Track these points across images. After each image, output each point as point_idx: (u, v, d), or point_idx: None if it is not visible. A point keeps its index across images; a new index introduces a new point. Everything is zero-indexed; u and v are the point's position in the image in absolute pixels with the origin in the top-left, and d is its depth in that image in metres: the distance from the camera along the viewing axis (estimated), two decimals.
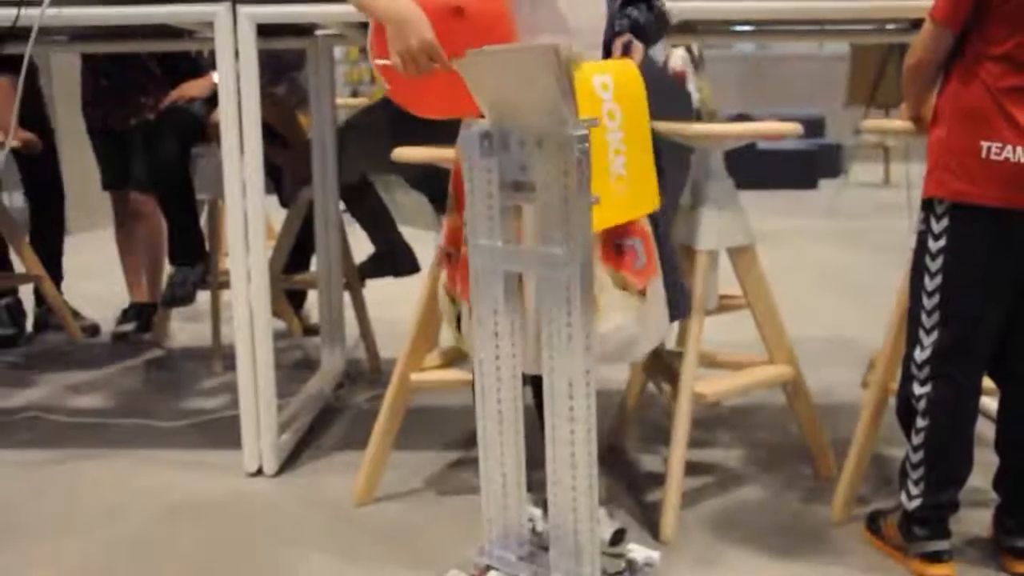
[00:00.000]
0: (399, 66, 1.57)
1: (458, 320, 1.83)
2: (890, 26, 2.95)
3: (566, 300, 1.42)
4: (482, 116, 1.53)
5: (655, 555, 1.66)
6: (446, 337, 2.63)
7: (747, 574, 1.89)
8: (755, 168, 8.76)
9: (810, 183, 8.96)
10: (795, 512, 2.17)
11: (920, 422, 1.85)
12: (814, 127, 9.46)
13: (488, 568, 1.64)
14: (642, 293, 1.70)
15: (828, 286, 4.61)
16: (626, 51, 1.73)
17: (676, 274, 1.84)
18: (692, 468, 2.39)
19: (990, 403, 2.75)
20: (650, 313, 1.75)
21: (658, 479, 2.19)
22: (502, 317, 1.54)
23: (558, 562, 1.54)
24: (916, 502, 1.85)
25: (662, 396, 2.09)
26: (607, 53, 1.77)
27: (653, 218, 1.76)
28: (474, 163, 1.50)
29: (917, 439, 1.86)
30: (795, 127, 2.11)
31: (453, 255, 1.83)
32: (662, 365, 2.28)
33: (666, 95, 5.86)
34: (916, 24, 2.85)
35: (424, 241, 2.76)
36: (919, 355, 1.83)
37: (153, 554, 2.02)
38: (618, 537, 1.67)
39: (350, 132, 3.06)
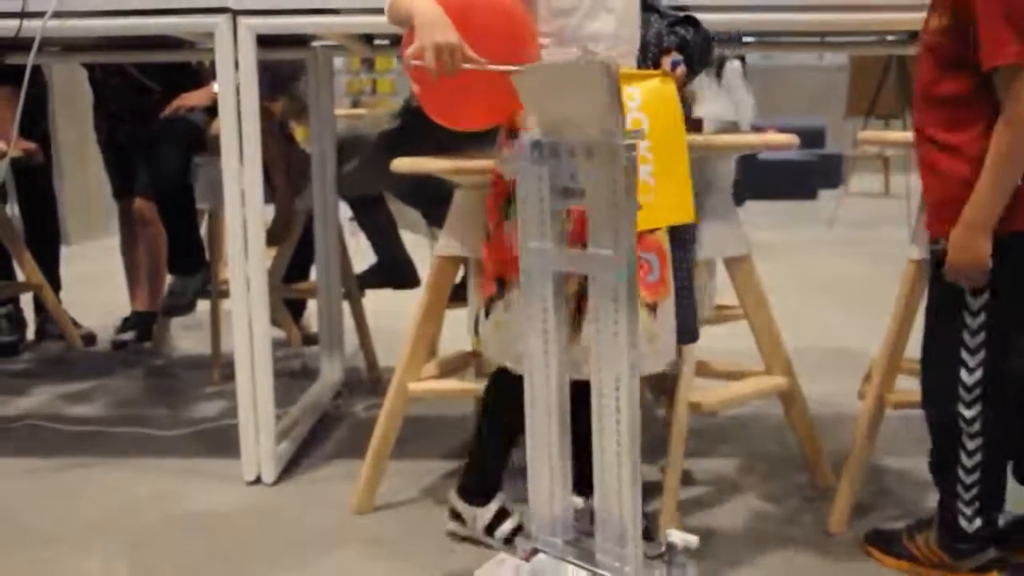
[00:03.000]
0: (431, 63, 1.59)
1: (476, 322, 1.88)
2: (890, 37, 2.97)
3: (614, 299, 1.50)
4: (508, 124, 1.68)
5: (693, 539, 1.70)
6: (444, 347, 2.65)
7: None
8: (755, 178, 8.78)
9: (810, 194, 8.98)
10: (792, 522, 2.17)
11: (971, 443, 1.81)
12: (814, 138, 9.47)
13: (535, 551, 1.71)
14: (651, 308, 1.73)
15: (826, 296, 4.62)
16: (673, 68, 1.78)
17: (691, 297, 1.86)
18: (689, 478, 2.40)
19: None
20: (660, 333, 1.79)
21: (656, 489, 2.19)
22: (551, 315, 1.63)
23: (604, 545, 1.62)
24: (976, 522, 1.84)
25: (659, 406, 2.10)
26: (649, 65, 1.84)
27: (680, 239, 1.79)
28: (526, 170, 1.60)
29: (971, 461, 1.82)
30: (792, 139, 2.12)
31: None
32: (660, 375, 2.28)
33: None
34: (914, 35, 2.88)
35: (424, 255, 2.78)
36: (968, 377, 1.79)
37: (152, 563, 2.02)
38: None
39: (380, 142, 3.06)
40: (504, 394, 1.87)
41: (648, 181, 1.68)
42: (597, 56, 1.69)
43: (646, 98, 1.68)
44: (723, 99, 7.76)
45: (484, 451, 2.02)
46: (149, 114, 3.33)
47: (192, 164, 3.16)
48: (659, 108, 1.69)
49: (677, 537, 1.70)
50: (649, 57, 1.86)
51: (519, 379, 1.69)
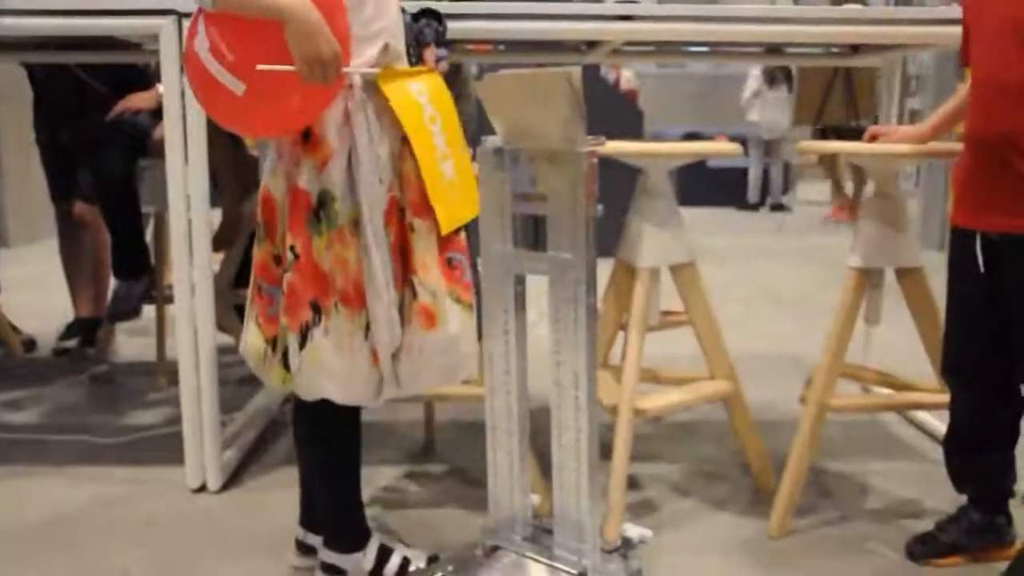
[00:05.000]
0: (305, 74, 1.51)
1: (284, 356, 1.66)
2: (834, 49, 3.04)
3: (574, 300, 1.58)
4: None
5: (648, 532, 1.77)
6: None
7: None
8: (703, 186, 8.91)
9: (756, 206, 9.11)
10: (734, 525, 2.20)
11: None
12: (765, 146, 9.61)
13: (495, 548, 1.74)
14: (471, 309, 1.70)
15: (772, 302, 4.69)
16: (437, 62, 1.77)
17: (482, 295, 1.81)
18: (635, 482, 2.43)
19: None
20: (474, 328, 1.74)
21: (601, 493, 2.21)
22: (511, 316, 1.68)
23: (562, 539, 1.69)
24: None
25: (604, 411, 2.12)
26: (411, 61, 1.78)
27: (468, 234, 1.76)
28: (488, 175, 1.64)
29: None
30: (735, 148, 2.16)
31: (265, 288, 1.70)
32: (605, 380, 2.31)
33: (616, 113, 5.93)
34: (856, 48, 2.96)
35: None
36: None
37: (94, 571, 1.99)
38: None
39: None
40: (327, 428, 1.76)
41: (452, 178, 1.66)
42: (392, 50, 1.63)
43: (432, 94, 1.66)
44: (782, 106, 8.16)
45: (336, 496, 1.83)
46: (92, 114, 3.27)
47: (137, 167, 3.12)
48: (444, 103, 1.68)
49: (633, 531, 1.75)
50: (411, 52, 1.79)
51: (334, 407, 1.66)
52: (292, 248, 1.62)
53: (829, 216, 8.09)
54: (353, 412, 1.75)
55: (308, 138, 1.60)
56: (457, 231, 1.69)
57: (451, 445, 2.70)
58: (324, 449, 1.80)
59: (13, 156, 5.05)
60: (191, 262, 2.32)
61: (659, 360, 2.55)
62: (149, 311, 3.30)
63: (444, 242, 1.67)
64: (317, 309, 1.61)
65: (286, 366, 1.66)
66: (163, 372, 3.26)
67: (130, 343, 3.76)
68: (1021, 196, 1.75)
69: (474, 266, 1.75)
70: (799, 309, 4.50)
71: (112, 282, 3.35)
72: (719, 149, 2.16)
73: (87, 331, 3.64)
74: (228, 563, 2.02)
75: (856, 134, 7.99)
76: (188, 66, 1.59)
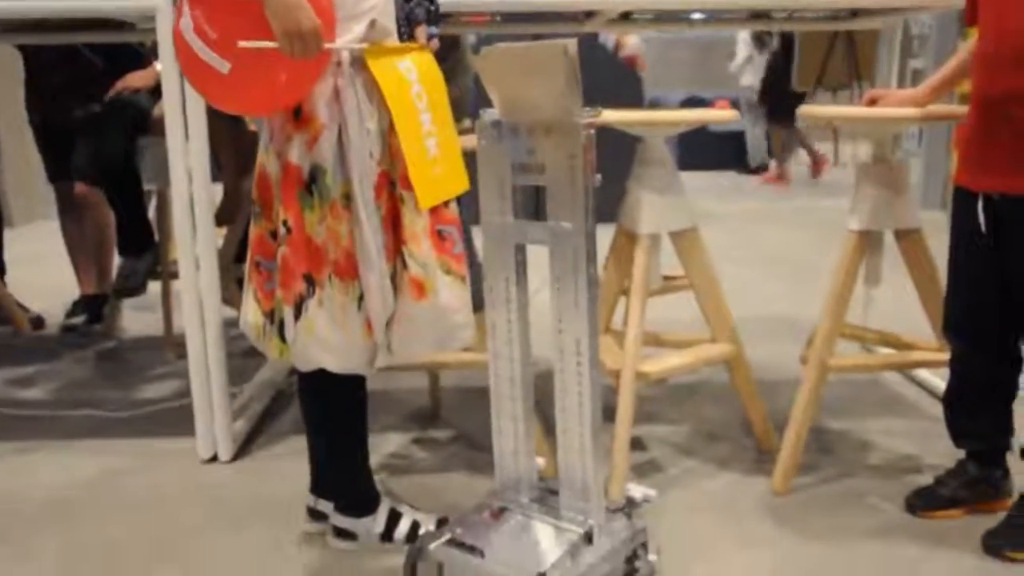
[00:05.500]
0: (286, 48, 1.51)
1: (280, 328, 1.69)
2: (833, 15, 3.03)
3: (574, 269, 1.60)
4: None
5: (652, 492, 1.80)
6: None
7: (688, 545, 1.96)
8: (706, 150, 8.88)
9: (762, 169, 9.08)
10: (737, 484, 2.24)
11: None
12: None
13: (502, 509, 1.77)
14: (463, 279, 1.73)
15: (773, 265, 4.71)
16: (428, 40, 1.77)
17: (477, 264, 1.84)
18: (639, 444, 2.46)
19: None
20: (468, 299, 1.77)
21: (604, 454, 2.24)
22: (512, 285, 1.70)
23: (567, 500, 1.72)
24: None
25: (607, 375, 2.15)
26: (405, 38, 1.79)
27: (460, 207, 1.78)
28: (487, 147, 1.66)
29: None
30: (733, 114, 2.17)
31: (263, 264, 1.73)
32: (607, 345, 2.34)
33: (616, 80, 5.91)
34: (856, 13, 2.95)
35: None
36: None
37: (113, 543, 2.03)
38: None
39: None
40: (326, 398, 1.80)
41: (436, 154, 1.68)
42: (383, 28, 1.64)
43: (421, 71, 1.67)
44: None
45: (343, 463, 1.88)
46: (85, 88, 3.27)
47: (138, 145, 3.13)
48: (433, 80, 1.70)
49: (637, 491, 1.78)
50: (402, 30, 1.80)
51: (335, 377, 1.70)
52: (285, 222, 1.64)
53: (767, 181, 8.14)
54: (355, 380, 1.79)
55: (299, 115, 1.62)
56: (447, 203, 1.71)
57: (456, 411, 2.74)
58: (329, 418, 1.84)
59: (11, 135, 5.04)
60: (195, 237, 2.34)
61: (661, 324, 2.57)
62: (154, 286, 3.33)
63: (434, 214, 1.69)
64: (311, 281, 1.64)
65: (282, 338, 1.69)
66: (170, 346, 3.29)
67: (136, 318, 3.79)
68: (1021, 158, 1.76)
69: (468, 238, 1.78)
70: (798, 272, 4.51)
71: (117, 259, 3.38)
72: (716, 116, 2.17)
73: (93, 308, 3.67)
74: (243, 531, 2.06)
75: (798, 99, 8.00)
76: (176, 47, 1.61)
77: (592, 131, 1.58)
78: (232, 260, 3.33)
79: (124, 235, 3.24)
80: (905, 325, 2.48)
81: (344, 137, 1.61)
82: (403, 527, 1.90)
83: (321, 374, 1.72)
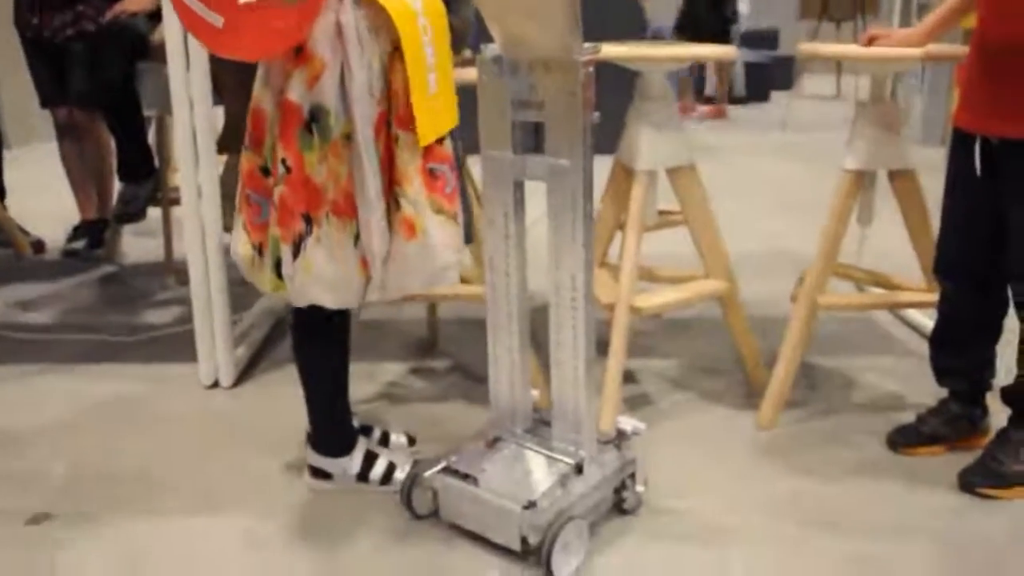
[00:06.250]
0: None
1: (277, 265, 1.71)
2: None
3: (571, 206, 1.64)
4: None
5: (642, 425, 1.86)
6: None
7: (675, 477, 2.02)
8: (701, 81, 8.78)
9: (763, 95, 9.01)
10: (727, 418, 2.30)
11: None
12: (768, 40, 9.46)
13: (497, 439, 1.84)
14: (455, 218, 1.74)
15: (772, 199, 4.72)
16: None
17: (468, 199, 1.84)
18: (631, 376, 2.52)
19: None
20: (459, 237, 1.78)
21: (597, 387, 2.30)
22: (512, 220, 1.74)
23: (559, 432, 1.79)
24: None
25: (601, 310, 2.18)
26: None
27: (451, 140, 1.78)
28: (488, 83, 1.68)
29: None
30: (731, 51, 2.17)
31: (253, 197, 1.74)
32: (602, 279, 2.37)
33: (617, 10, 5.84)
34: None
35: None
36: None
37: (118, 468, 2.09)
38: None
39: None
40: (316, 335, 1.85)
41: (435, 89, 1.67)
42: None
43: (425, 3, 1.67)
44: None
45: (323, 402, 1.93)
46: (87, 6, 3.21)
47: (137, 70, 3.12)
48: (436, 12, 1.69)
49: (627, 423, 1.84)
50: None
51: (325, 314, 1.73)
52: (284, 161, 1.64)
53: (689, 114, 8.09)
54: (341, 319, 1.82)
55: (299, 51, 1.61)
56: (440, 141, 1.72)
57: (454, 341, 2.79)
58: (313, 356, 1.89)
59: (6, 59, 4.98)
60: (197, 164, 2.36)
61: (656, 258, 2.60)
62: (154, 212, 3.35)
63: (427, 153, 1.69)
64: (309, 220, 1.65)
65: (279, 275, 1.71)
66: (172, 272, 3.33)
67: (137, 243, 3.81)
68: (1021, 103, 1.77)
69: (461, 172, 1.78)
70: (796, 206, 4.52)
71: (117, 184, 3.39)
72: (716, 52, 2.17)
73: (94, 232, 3.69)
74: (246, 458, 2.12)
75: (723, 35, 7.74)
76: (172, 1, 1.61)
77: (592, 69, 1.59)
78: (234, 188, 3.34)
79: (124, 161, 3.25)
80: (897, 263, 2.51)
81: (346, 75, 1.61)
82: (379, 468, 1.95)
83: (311, 311, 1.74)
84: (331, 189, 1.64)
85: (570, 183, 1.63)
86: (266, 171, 1.71)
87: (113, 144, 3.32)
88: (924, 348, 2.18)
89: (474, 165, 2.04)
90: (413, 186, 1.68)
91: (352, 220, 1.67)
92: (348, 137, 1.63)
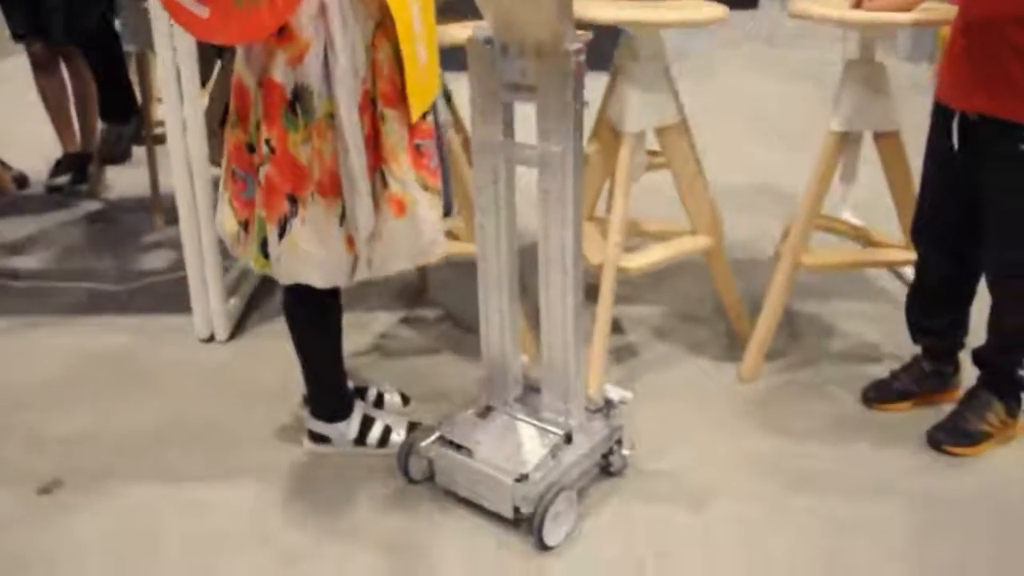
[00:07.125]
0: None
1: (263, 244, 1.73)
2: None
3: (560, 189, 1.67)
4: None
5: (628, 394, 1.93)
6: None
7: (660, 435, 2.10)
8: None
9: (751, 2, 8.83)
10: (708, 370, 2.38)
11: None
12: None
13: (489, 408, 1.90)
14: (439, 193, 1.76)
15: (759, 125, 4.67)
16: None
17: (447, 170, 1.85)
18: (616, 326, 2.57)
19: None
20: (440, 212, 1.80)
21: (586, 336, 2.35)
22: (501, 187, 1.76)
23: (549, 401, 1.85)
24: None
25: (589, 265, 2.22)
26: None
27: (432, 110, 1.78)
28: (479, 65, 1.67)
29: None
30: (724, 10, 2.15)
31: (238, 173, 1.75)
32: (590, 235, 2.40)
33: None
34: None
35: None
36: None
37: (122, 428, 2.14)
38: None
39: None
40: (308, 309, 1.89)
41: (424, 61, 1.66)
42: None
43: None
44: None
45: (319, 371, 1.99)
46: None
47: (116, 5, 3.04)
48: None
49: (614, 392, 1.91)
50: None
51: (313, 290, 1.76)
52: (268, 141, 1.64)
53: None
54: (331, 292, 1.85)
55: (282, 31, 1.59)
56: (424, 116, 1.72)
57: (443, 288, 2.82)
58: (307, 333, 1.94)
59: None
60: (181, 100, 2.33)
61: (644, 202, 2.60)
62: (138, 148, 3.31)
63: (412, 129, 1.70)
64: (294, 200, 1.67)
65: (265, 254, 1.73)
66: (159, 211, 3.31)
67: (121, 176, 3.76)
68: (1001, 81, 1.79)
69: (440, 144, 1.80)
70: (781, 133, 4.49)
71: (100, 123, 3.34)
72: (709, 14, 2.16)
73: (77, 167, 3.64)
74: (245, 414, 2.18)
75: None
76: None
77: (582, 56, 1.59)
78: (219, 123, 3.31)
79: (106, 100, 3.19)
80: (878, 218, 2.55)
81: (330, 55, 1.59)
82: (375, 432, 2.02)
83: (302, 288, 1.77)
84: (316, 169, 1.65)
85: (560, 168, 1.65)
86: (252, 148, 1.72)
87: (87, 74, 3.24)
88: (904, 294, 2.23)
89: (451, 82, 2.04)
90: (401, 164, 1.69)
91: (337, 199, 1.68)
92: (332, 116, 1.63)
